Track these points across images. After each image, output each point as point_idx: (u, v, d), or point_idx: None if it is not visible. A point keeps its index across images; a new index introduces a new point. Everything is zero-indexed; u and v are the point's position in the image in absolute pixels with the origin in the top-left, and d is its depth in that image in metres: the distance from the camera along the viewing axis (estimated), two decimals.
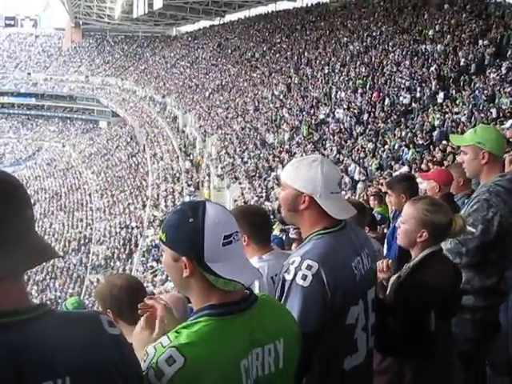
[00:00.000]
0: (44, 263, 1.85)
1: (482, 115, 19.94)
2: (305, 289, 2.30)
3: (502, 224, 3.52)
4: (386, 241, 5.13)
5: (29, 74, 73.39)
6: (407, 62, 29.36)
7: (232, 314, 1.81)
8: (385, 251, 5.05)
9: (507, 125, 14.80)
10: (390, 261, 3.11)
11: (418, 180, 5.29)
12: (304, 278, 2.31)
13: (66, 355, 1.34)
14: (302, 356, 2.01)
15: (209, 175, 35.82)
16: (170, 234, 1.83)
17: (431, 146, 20.26)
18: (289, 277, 2.34)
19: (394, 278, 3.11)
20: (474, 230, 3.50)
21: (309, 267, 2.32)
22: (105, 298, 2.92)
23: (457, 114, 21.53)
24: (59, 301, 30.90)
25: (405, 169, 17.53)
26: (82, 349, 1.38)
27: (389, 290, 3.06)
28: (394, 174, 14.92)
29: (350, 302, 2.45)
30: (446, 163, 14.21)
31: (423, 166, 15.97)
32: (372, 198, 8.59)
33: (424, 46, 29.82)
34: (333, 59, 37.20)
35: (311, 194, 2.43)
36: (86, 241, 38.28)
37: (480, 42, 26.14)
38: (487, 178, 3.67)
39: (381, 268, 3.02)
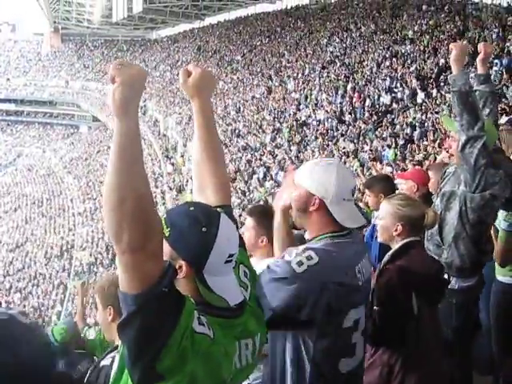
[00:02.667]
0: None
1: None
2: (295, 275, 2.24)
3: None
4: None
5: (8, 79, 72.73)
6: (387, 63, 29.49)
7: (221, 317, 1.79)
8: None
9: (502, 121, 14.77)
10: None
11: (397, 181, 5.20)
12: (300, 264, 2.26)
13: None
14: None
15: (191, 178, 35.54)
16: (176, 235, 1.76)
17: (413, 146, 20.36)
18: (287, 258, 2.30)
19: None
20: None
21: (309, 258, 2.28)
22: (107, 296, 2.91)
23: (437, 113, 21.65)
24: (42, 308, 30.61)
25: (387, 169, 17.52)
26: None
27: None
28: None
29: (349, 304, 2.41)
30: (427, 162, 14.25)
31: (409, 166, 15.97)
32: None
33: (404, 46, 29.97)
34: (313, 61, 37.28)
35: (322, 198, 2.40)
36: (69, 247, 37.95)
37: (458, 41, 26.26)
38: None
39: None
